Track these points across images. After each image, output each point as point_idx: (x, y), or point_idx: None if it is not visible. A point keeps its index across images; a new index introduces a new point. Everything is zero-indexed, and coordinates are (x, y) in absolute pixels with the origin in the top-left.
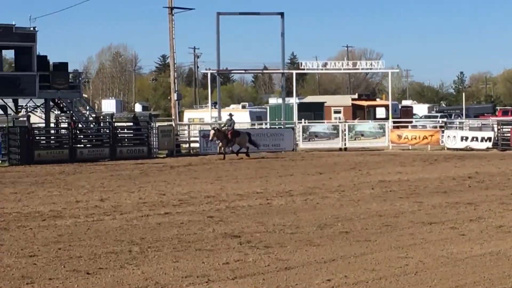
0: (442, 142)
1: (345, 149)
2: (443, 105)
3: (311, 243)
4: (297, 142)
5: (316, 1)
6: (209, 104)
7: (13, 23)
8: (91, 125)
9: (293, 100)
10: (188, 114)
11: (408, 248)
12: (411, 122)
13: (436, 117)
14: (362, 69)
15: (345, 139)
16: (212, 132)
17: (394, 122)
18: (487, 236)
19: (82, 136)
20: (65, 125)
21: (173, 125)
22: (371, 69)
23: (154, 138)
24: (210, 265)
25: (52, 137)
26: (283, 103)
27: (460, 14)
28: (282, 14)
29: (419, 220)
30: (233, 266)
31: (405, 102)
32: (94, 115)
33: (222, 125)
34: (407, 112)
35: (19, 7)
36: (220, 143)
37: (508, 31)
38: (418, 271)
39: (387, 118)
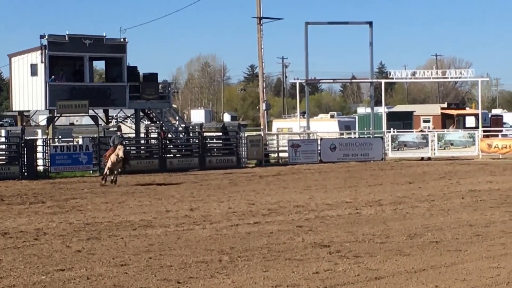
0: None
1: (429, 158)
2: None
3: (401, 253)
4: (386, 152)
5: (404, 9)
6: (298, 113)
7: (104, 35)
8: (181, 135)
9: (382, 109)
10: (277, 124)
11: (500, 258)
12: (501, 131)
13: None
14: (451, 78)
15: (434, 148)
16: (122, 149)
17: (484, 131)
18: None
19: (171, 146)
20: (155, 135)
21: (262, 134)
22: (460, 78)
23: (243, 148)
24: (300, 274)
25: (142, 147)
26: (371, 112)
27: None
28: (370, 23)
29: (511, 230)
30: (323, 276)
31: (495, 111)
32: (183, 125)
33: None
34: (497, 121)
35: (110, 19)
36: (116, 164)
37: None
38: (510, 281)
39: (476, 127)
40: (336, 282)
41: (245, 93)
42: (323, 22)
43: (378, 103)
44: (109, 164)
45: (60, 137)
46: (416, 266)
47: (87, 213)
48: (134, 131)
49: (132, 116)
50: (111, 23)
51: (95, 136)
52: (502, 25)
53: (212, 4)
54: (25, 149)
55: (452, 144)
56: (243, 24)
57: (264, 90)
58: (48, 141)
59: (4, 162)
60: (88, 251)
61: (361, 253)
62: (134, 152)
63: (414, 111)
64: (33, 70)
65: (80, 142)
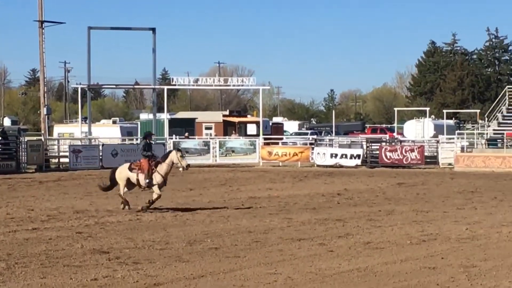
0: (312, 159)
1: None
2: (314, 122)
3: (180, 259)
4: None
5: (188, 17)
6: (79, 119)
7: None
8: None
9: (164, 116)
10: (58, 129)
11: (277, 264)
12: (281, 138)
13: (306, 134)
14: (233, 85)
15: (215, 155)
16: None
17: (264, 139)
18: (355, 252)
19: None
20: None
21: (43, 139)
22: (242, 85)
23: (23, 153)
24: (78, 281)
25: None
26: (154, 118)
27: (330, 32)
28: (153, 29)
29: (288, 236)
30: (101, 283)
31: (276, 119)
32: None
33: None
34: (278, 129)
35: None
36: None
37: (380, 51)
38: (286, 287)
39: (257, 135)
40: None
41: (26, 97)
42: (106, 27)
43: (161, 109)
44: (158, 179)
45: None
46: (195, 273)
47: None
48: None
49: None
50: None
51: None
52: (284, 34)
53: None
54: None
55: (233, 151)
56: (25, 27)
57: (46, 94)
58: None
59: None
60: None
61: (140, 260)
62: None
63: (197, 118)
64: None
65: None
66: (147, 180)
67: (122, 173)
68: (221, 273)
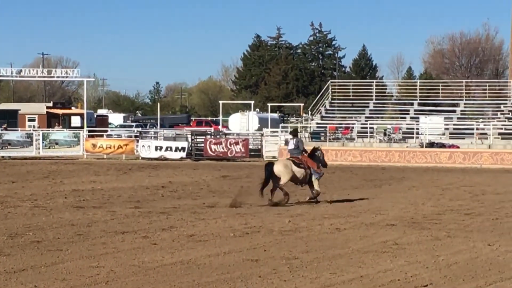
0: (137, 151)
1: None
2: (139, 114)
3: (0, 253)
4: None
5: (11, 6)
6: None
7: None
8: None
9: None
10: None
11: (100, 258)
12: (106, 131)
13: (131, 126)
14: (58, 77)
15: (39, 147)
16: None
17: (89, 131)
18: (179, 245)
19: None
20: None
21: None
22: (66, 77)
23: None
24: None
25: None
26: None
27: (155, 24)
28: None
29: (112, 230)
30: None
31: (101, 111)
32: None
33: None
34: (103, 121)
35: None
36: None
37: (206, 44)
38: (109, 280)
39: (82, 127)
40: None
41: None
42: None
43: None
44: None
45: None
46: (16, 266)
47: None
48: None
49: None
50: None
51: None
52: (108, 26)
53: None
54: None
55: (57, 144)
56: None
57: None
58: None
59: None
60: None
61: None
62: None
63: (20, 110)
64: None
65: None
66: (322, 173)
67: (289, 167)
68: (42, 266)
